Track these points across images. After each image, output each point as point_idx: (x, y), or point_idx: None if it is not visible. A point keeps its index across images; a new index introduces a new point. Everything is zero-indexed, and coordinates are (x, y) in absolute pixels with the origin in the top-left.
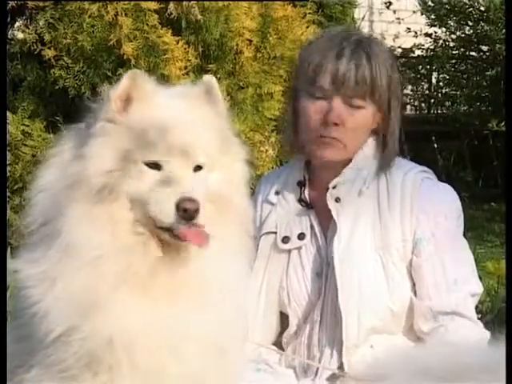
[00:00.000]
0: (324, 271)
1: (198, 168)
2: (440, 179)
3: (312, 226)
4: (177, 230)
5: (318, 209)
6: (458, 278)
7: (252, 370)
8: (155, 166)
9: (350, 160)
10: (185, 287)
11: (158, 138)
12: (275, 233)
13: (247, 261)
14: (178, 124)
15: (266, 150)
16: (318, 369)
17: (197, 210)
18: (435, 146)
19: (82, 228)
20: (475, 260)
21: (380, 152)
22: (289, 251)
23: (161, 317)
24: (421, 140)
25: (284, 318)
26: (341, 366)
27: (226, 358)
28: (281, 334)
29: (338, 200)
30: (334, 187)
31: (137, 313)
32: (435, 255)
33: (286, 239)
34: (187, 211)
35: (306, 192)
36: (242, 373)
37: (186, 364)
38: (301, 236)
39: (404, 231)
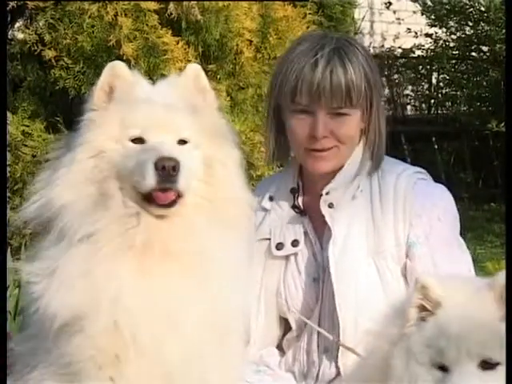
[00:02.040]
0: (320, 276)
1: (183, 142)
2: (440, 180)
3: (306, 233)
4: (154, 193)
5: (311, 215)
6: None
7: (252, 372)
8: (139, 140)
9: (342, 165)
10: (180, 260)
11: (140, 115)
12: (269, 239)
13: (245, 237)
14: (160, 101)
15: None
16: (318, 373)
17: (174, 168)
18: (435, 146)
19: (77, 207)
20: (475, 260)
21: (369, 154)
22: (285, 257)
23: (159, 292)
24: (421, 140)
25: (284, 322)
26: (338, 371)
27: (225, 336)
28: (282, 337)
29: (331, 206)
30: (327, 193)
31: (136, 291)
32: (428, 257)
33: (279, 246)
34: (165, 169)
35: (300, 199)
36: (243, 355)
37: (186, 342)
38: (294, 243)
39: (397, 235)
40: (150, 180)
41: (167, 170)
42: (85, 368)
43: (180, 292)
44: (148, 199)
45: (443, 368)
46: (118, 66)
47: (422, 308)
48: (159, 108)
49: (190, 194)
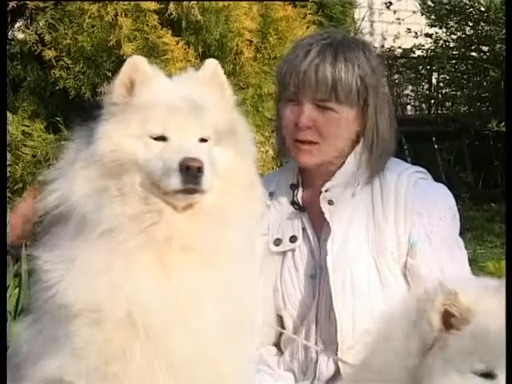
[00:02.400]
0: (318, 273)
1: (203, 141)
2: (440, 180)
3: (304, 229)
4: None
5: (310, 211)
6: (455, 278)
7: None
8: (161, 138)
9: (343, 163)
10: (198, 255)
11: (162, 112)
12: (267, 235)
13: (257, 233)
14: (181, 98)
15: (267, 151)
16: (316, 371)
17: (200, 169)
18: (435, 146)
19: (94, 202)
20: (475, 260)
21: (367, 155)
22: (283, 253)
23: (177, 289)
24: (421, 140)
25: (282, 320)
26: (337, 368)
27: (239, 332)
28: (280, 335)
29: (331, 203)
30: (326, 190)
31: (154, 287)
32: (431, 256)
33: (277, 241)
34: (190, 169)
35: (299, 195)
36: (251, 351)
37: (201, 338)
38: (292, 239)
39: (398, 233)
40: (175, 180)
41: (192, 171)
42: (91, 360)
43: (198, 287)
44: (170, 197)
45: (486, 375)
46: (138, 59)
47: (449, 314)
48: (181, 105)
49: (210, 190)
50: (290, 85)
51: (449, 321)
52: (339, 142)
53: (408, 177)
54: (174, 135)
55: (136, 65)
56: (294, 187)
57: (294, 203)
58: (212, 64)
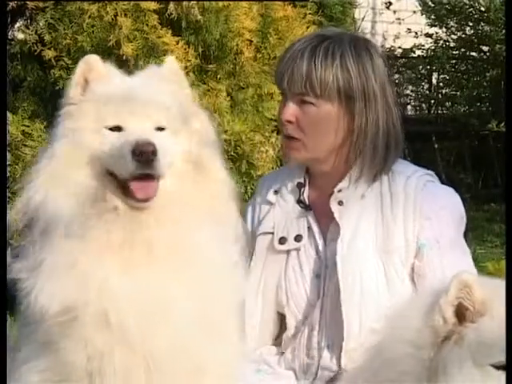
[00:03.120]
0: (323, 273)
1: (160, 129)
2: (440, 180)
3: (310, 228)
4: (132, 182)
5: (316, 210)
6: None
7: (252, 371)
8: (117, 128)
9: (348, 163)
10: (163, 251)
11: (116, 104)
12: (272, 233)
13: (225, 226)
14: (135, 90)
15: (267, 151)
16: (317, 370)
17: (153, 153)
18: (435, 146)
19: (58, 202)
20: (475, 260)
21: (354, 155)
22: (287, 252)
23: (145, 283)
24: (421, 140)
25: (283, 319)
26: (340, 368)
27: (216, 330)
28: (280, 334)
29: (340, 203)
30: (339, 191)
31: (122, 281)
32: (437, 260)
33: (282, 240)
34: (143, 154)
35: (306, 194)
36: (239, 351)
37: (174, 334)
38: (298, 238)
39: (406, 236)
40: (130, 166)
41: (146, 155)
42: (75, 360)
43: (166, 283)
44: (127, 192)
45: (504, 367)
46: (91, 59)
47: (462, 307)
48: (135, 96)
49: (169, 183)
50: (276, 81)
51: (463, 314)
52: (324, 139)
53: (417, 179)
54: (130, 125)
55: (90, 63)
56: (300, 186)
57: (300, 202)
58: (171, 61)
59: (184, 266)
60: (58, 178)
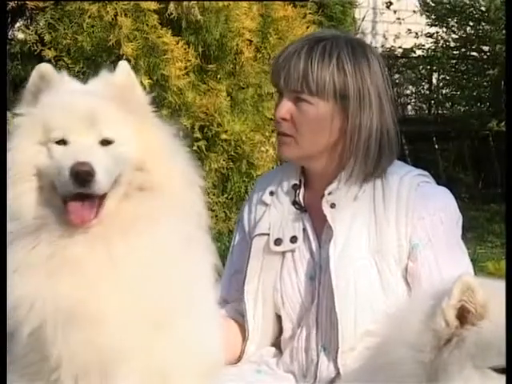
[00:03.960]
0: (317, 275)
1: (107, 142)
2: (440, 180)
3: (305, 230)
4: (70, 202)
5: (312, 212)
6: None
7: (252, 372)
8: (63, 142)
9: (341, 164)
10: (91, 267)
11: (61, 116)
12: (268, 234)
13: (181, 233)
14: (83, 102)
15: (267, 150)
16: (317, 373)
17: (89, 174)
18: (435, 146)
19: (10, 210)
20: (475, 260)
21: (363, 155)
22: (282, 254)
23: (72, 299)
24: (421, 140)
25: (281, 320)
26: (338, 371)
27: (162, 332)
28: (279, 335)
29: (333, 206)
30: (329, 193)
31: (49, 298)
32: (432, 260)
33: (278, 241)
34: (79, 174)
35: (301, 195)
36: (189, 349)
37: (117, 335)
38: (293, 239)
39: (399, 236)
40: (67, 184)
41: (81, 176)
42: (39, 369)
43: (95, 294)
44: (66, 212)
45: (503, 370)
46: (43, 67)
47: (465, 310)
48: (80, 108)
49: (110, 201)
50: (272, 79)
51: (464, 316)
52: (317, 137)
53: (410, 179)
54: (73, 138)
55: (41, 72)
56: (296, 187)
57: (295, 203)
58: (123, 66)
59: (129, 274)
60: (12, 190)
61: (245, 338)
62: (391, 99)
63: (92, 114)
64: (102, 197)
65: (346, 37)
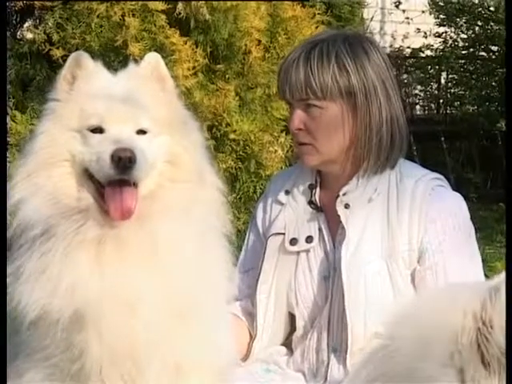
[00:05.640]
0: (331, 275)
1: (142, 132)
2: (449, 180)
3: (320, 230)
4: (110, 188)
5: (327, 212)
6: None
7: (262, 371)
8: (98, 130)
9: (356, 164)
10: (134, 251)
11: (99, 105)
12: (283, 234)
13: (205, 225)
14: (119, 92)
15: (275, 151)
16: (327, 374)
17: (131, 159)
18: (444, 146)
19: (32, 201)
20: (484, 260)
21: (359, 153)
22: (297, 253)
23: (115, 280)
24: (429, 140)
25: (294, 319)
26: (348, 372)
27: (187, 323)
28: (290, 334)
29: (347, 206)
30: (344, 194)
31: (92, 279)
32: (439, 265)
33: (293, 241)
34: (121, 160)
35: (317, 195)
36: (220, 342)
37: (148, 328)
38: (308, 239)
39: (411, 240)
40: (107, 170)
41: (123, 162)
42: (59, 360)
43: (136, 279)
44: (102, 197)
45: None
46: (80, 56)
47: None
48: (118, 98)
49: (144, 186)
50: (279, 94)
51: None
52: (334, 139)
53: (425, 183)
54: (111, 127)
55: (78, 60)
56: (312, 187)
57: (311, 203)
58: (153, 58)
59: (153, 261)
60: (33, 177)
61: (250, 338)
62: (397, 88)
63: (130, 104)
64: (136, 185)
65: (343, 34)
